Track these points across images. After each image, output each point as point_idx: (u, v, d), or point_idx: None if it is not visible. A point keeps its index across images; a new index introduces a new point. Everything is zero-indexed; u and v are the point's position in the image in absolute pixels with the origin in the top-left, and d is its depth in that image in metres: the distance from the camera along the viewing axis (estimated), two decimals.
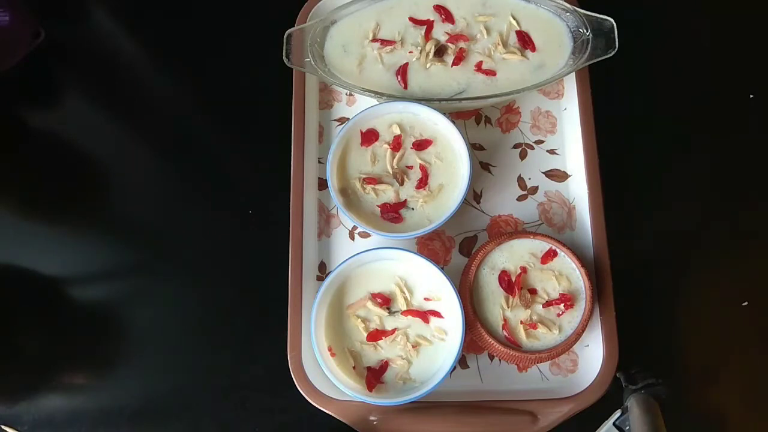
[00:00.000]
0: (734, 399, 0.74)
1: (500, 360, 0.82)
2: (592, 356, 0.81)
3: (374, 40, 0.85)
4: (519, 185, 0.88)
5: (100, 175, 0.94)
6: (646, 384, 0.74)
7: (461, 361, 0.83)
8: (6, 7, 0.90)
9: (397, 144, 0.83)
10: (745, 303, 0.74)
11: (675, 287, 0.85)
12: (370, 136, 0.83)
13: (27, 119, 0.97)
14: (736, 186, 0.92)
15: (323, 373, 0.76)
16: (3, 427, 0.84)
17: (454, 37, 0.85)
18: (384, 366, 0.77)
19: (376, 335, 0.77)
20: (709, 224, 0.91)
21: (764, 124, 0.94)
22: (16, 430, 0.84)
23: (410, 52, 0.85)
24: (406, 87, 0.84)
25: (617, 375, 0.79)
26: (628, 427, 0.72)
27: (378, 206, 0.81)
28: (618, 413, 0.74)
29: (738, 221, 0.91)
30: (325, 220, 0.87)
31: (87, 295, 0.89)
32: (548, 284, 0.80)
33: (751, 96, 0.94)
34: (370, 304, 0.78)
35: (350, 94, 0.92)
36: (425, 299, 0.79)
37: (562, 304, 0.79)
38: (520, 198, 0.88)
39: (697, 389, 0.75)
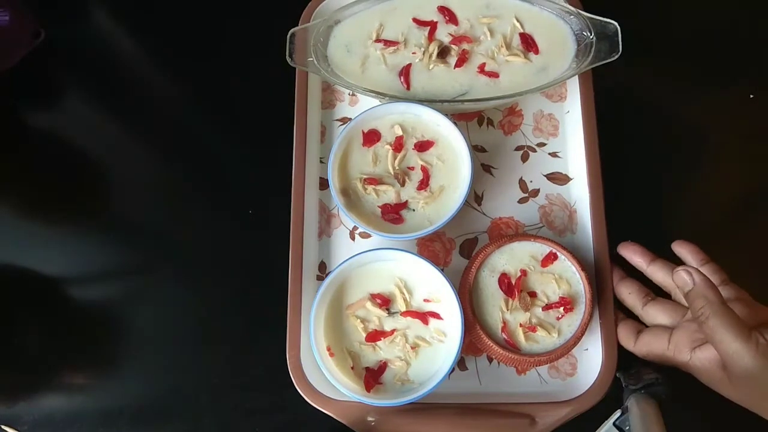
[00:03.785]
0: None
1: (499, 362, 0.86)
2: (591, 360, 0.85)
3: (377, 40, 0.89)
4: (520, 187, 0.92)
5: (100, 175, 0.98)
6: (646, 384, 0.77)
7: (460, 363, 0.87)
8: (6, 7, 0.94)
9: (398, 145, 0.86)
10: None
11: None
12: (371, 137, 0.86)
13: (27, 119, 1.00)
14: (737, 187, 0.96)
15: (322, 374, 0.79)
16: (3, 427, 0.87)
17: (458, 39, 0.89)
18: (382, 367, 0.81)
19: (375, 336, 0.81)
20: (709, 226, 0.94)
21: (764, 124, 0.97)
22: (16, 430, 0.87)
23: (413, 53, 0.89)
24: (408, 88, 0.88)
25: (617, 375, 0.82)
26: (628, 427, 0.75)
27: (379, 207, 0.84)
28: (618, 413, 0.77)
29: (738, 222, 0.95)
30: (326, 220, 0.91)
31: (87, 295, 0.93)
32: (548, 287, 0.83)
33: (751, 96, 0.98)
34: (369, 305, 0.81)
35: (353, 94, 0.96)
36: (425, 300, 0.82)
37: (562, 308, 0.82)
38: (521, 200, 0.91)
39: (697, 389, 0.78)
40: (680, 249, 0.86)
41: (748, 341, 0.68)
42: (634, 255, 0.87)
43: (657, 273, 0.85)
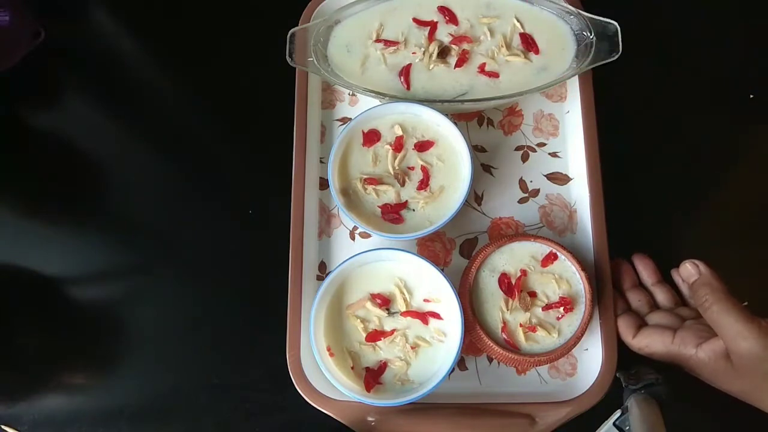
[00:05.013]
0: (734, 398, 0.77)
1: (499, 362, 0.86)
2: (591, 360, 0.85)
3: (378, 40, 0.89)
4: (520, 187, 0.92)
5: (100, 175, 0.98)
6: (646, 384, 0.77)
7: (460, 363, 0.87)
8: (6, 7, 0.94)
9: (398, 145, 0.86)
10: (745, 303, 0.77)
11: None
12: (371, 137, 0.87)
13: (27, 119, 1.01)
14: (738, 187, 0.96)
15: (322, 374, 0.80)
16: (3, 427, 0.88)
17: (458, 39, 0.89)
18: (382, 367, 0.81)
19: (375, 336, 0.81)
20: (709, 226, 0.95)
21: (764, 124, 0.98)
22: (16, 430, 0.88)
23: (413, 53, 0.89)
24: (408, 88, 0.88)
25: (617, 375, 0.83)
26: (628, 427, 0.75)
27: (379, 207, 0.85)
28: (618, 413, 0.77)
29: (738, 222, 0.95)
30: (326, 219, 0.92)
31: (87, 295, 0.93)
32: (548, 287, 0.84)
33: (751, 96, 0.98)
34: (369, 305, 0.82)
35: (353, 94, 0.97)
36: (425, 300, 0.83)
37: (562, 308, 0.82)
38: (522, 200, 0.92)
39: (697, 389, 0.78)
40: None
41: (750, 322, 0.72)
42: (644, 269, 0.89)
43: (659, 294, 0.88)
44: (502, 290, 0.83)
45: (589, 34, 0.87)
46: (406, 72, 0.88)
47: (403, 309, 0.82)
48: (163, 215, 0.96)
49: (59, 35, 1.02)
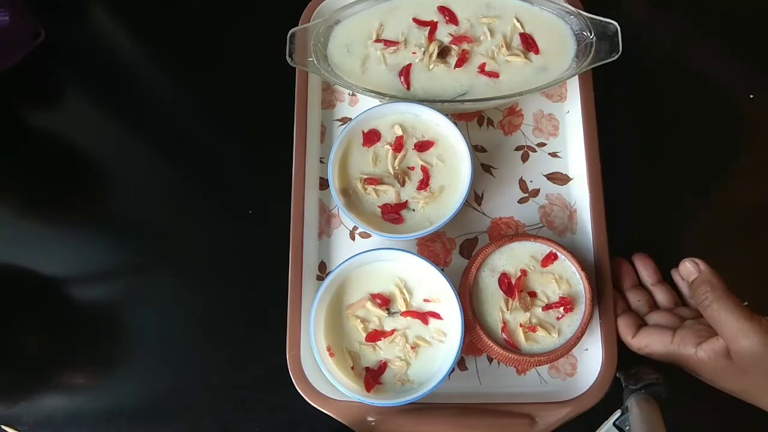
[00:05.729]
0: (734, 398, 0.77)
1: (499, 362, 0.86)
2: (591, 360, 0.85)
3: (378, 40, 0.89)
4: (520, 188, 0.92)
5: (100, 175, 0.98)
6: (646, 384, 0.78)
7: (460, 363, 0.87)
8: (6, 7, 0.94)
9: (398, 145, 0.86)
10: (746, 303, 0.77)
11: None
12: (371, 137, 0.87)
13: (27, 119, 1.01)
14: (737, 187, 0.96)
15: (322, 374, 0.79)
16: (3, 427, 0.88)
17: (458, 39, 0.89)
18: (382, 367, 0.81)
19: (375, 336, 0.81)
20: (709, 226, 0.95)
21: (764, 124, 0.98)
22: (16, 430, 0.88)
23: (413, 53, 0.89)
24: (408, 88, 0.88)
25: (617, 375, 0.83)
26: (628, 427, 0.76)
27: (379, 207, 0.85)
28: (618, 413, 0.78)
29: (738, 222, 0.95)
30: (326, 219, 0.91)
31: (87, 295, 0.93)
32: (548, 287, 0.84)
33: (751, 96, 0.99)
34: (369, 305, 0.82)
35: (353, 94, 0.96)
36: (425, 300, 0.83)
37: (562, 308, 0.82)
38: (522, 200, 0.92)
39: (696, 388, 0.78)
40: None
41: (751, 320, 0.71)
42: (644, 269, 0.89)
43: (659, 294, 0.88)
44: (502, 290, 0.83)
45: (589, 34, 0.87)
46: (406, 72, 0.88)
47: (403, 309, 0.82)
48: (163, 215, 0.96)
49: (59, 35, 1.02)
